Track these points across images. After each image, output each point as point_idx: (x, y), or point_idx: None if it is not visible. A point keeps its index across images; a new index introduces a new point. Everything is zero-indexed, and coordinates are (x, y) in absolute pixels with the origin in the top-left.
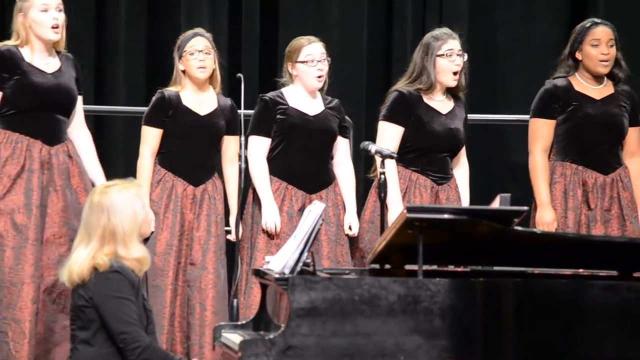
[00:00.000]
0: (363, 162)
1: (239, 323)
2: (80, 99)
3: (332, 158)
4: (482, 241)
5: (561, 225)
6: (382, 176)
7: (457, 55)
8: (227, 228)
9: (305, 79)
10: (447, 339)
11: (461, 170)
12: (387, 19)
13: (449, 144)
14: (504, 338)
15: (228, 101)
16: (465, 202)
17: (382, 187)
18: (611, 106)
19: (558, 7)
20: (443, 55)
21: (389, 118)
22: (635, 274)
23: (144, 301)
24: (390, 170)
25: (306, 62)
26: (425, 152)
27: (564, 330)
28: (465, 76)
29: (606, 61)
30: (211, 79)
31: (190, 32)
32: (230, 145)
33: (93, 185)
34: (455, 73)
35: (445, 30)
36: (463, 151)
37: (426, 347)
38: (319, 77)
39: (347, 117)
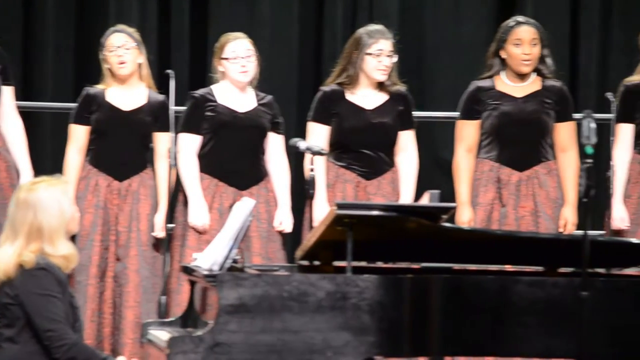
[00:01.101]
0: (294, 159)
1: (167, 320)
2: (8, 89)
3: (263, 154)
4: (411, 237)
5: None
6: (311, 173)
7: (387, 56)
8: (169, 225)
9: (231, 75)
10: (375, 335)
11: (405, 161)
12: (318, 17)
13: (373, 139)
14: (431, 334)
15: (159, 98)
16: (406, 194)
17: (311, 184)
18: (532, 103)
19: (486, 6)
20: (372, 54)
21: (313, 118)
22: (561, 270)
23: (71, 298)
24: (318, 167)
25: (229, 58)
26: (349, 148)
27: (491, 325)
28: (394, 76)
29: (528, 60)
30: (139, 74)
31: (110, 29)
32: (160, 142)
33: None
34: (382, 70)
35: (379, 28)
36: (408, 143)
37: (354, 343)
38: (243, 72)
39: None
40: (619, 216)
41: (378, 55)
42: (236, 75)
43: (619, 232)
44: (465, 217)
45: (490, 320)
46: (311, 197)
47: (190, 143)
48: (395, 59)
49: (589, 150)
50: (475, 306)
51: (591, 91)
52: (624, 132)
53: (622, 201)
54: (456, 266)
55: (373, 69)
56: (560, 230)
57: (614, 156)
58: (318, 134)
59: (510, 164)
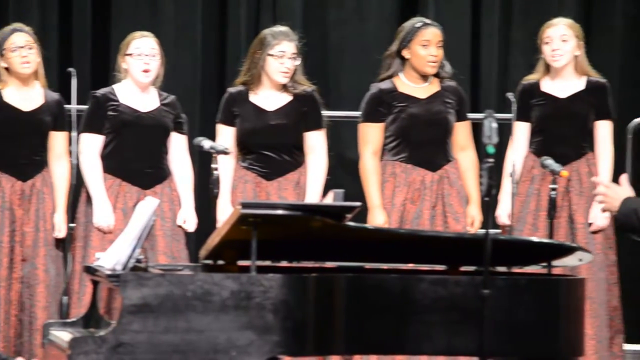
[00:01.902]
0: (198, 159)
1: (69, 321)
2: None
3: (166, 154)
4: (316, 237)
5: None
6: (215, 172)
7: (289, 58)
8: (70, 225)
9: (132, 73)
10: (279, 334)
11: (313, 162)
12: (221, 17)
13: (272, 140)
14: (336, 333)
15: (55, 96)
16: (313, 194)
17: (215, 183)
18: (436, 104)
19: (389, 6)
20: (274, 55)
21: (220, 120)
22: (463, 268)
23: None
24: (223, 166)
25: (133, 54)
26: (250, 149)
27: (395, 324)
28: (300, 77)
29: (434, 62)
30: (36, 74)
31: (8, 29)
32: (57, 141)
33: None
34: (284, 72)
35: (283, 29)
36: (316, 143)
37: (258, 342)
38: (145, 71)
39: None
40: (504, 212)
41: (280, 57)
42: (138, 73)
43: (503, 229)
44: (380, 219)
45: (393, 318)
46: (216, 196)
47: (93, 143)
48: (298, 61)
49: (491, 149)
50: (378, 305)
51: (492, 91)
52: (520, 130)
53: (508, 198)
54: (361, 265)
55: (275, 71)
56: (468, 228)
57: (508, 153)
58: (225, 135)
59: (423, 164)
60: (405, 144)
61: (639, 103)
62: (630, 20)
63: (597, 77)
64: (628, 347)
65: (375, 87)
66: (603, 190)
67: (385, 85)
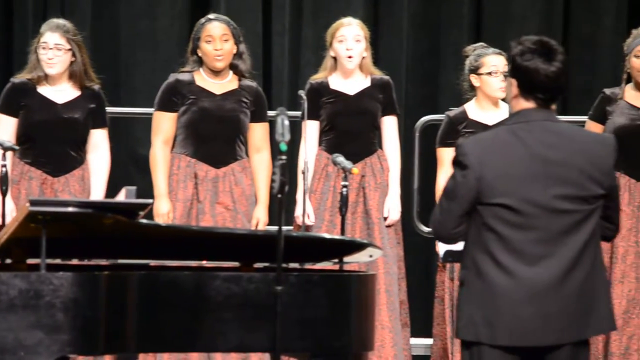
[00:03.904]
0: None
1: None
2: None
3: None
4: (108, 234)
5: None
6: (4, 169)
7: (49, 48)
8: None
9: None
10: (69, 333)
11: (96, 159)
12: (8, 10)
13: (61, 134)
14: (128, 331)
15: None
16: (97, 191)
17: (4, 181)
18: (230, 101)
19: (179, 3)
20: (39, 46)
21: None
22: (256, 265)
23: None
24: (8, 163)
25: None
26: (36, 143)
27: (188, 321)
28: (80, 71)
29: (220, 56)
30: None
31: None
32: None
33: None
34: (48, 63)
35: (52, 20)
36: (99, 141)
37: (47, 342)
38: None
39: None
40: (305, 212)
41: (43, 47)
42: None
43: (307, 228)
44: (164, 208)
45: (186, 316)
46: (4, 193)
47: None
48: (61, 50)
49: (283, 147)
50: (171, 302)
51: (284, 88)
52: (310, 129)
53: (306, 197)
54: (155, 262)
55: (42, 60)
56: (253, 228)
57: (300, 152)
58: (5, 126)
59: (207, 160)
60: (193, 138)
61: (426, 101)
62: (416, 20)
63: (380, 74)
64: (413, 341)
65: (172, 77)
66: None
67: (183, 76)
